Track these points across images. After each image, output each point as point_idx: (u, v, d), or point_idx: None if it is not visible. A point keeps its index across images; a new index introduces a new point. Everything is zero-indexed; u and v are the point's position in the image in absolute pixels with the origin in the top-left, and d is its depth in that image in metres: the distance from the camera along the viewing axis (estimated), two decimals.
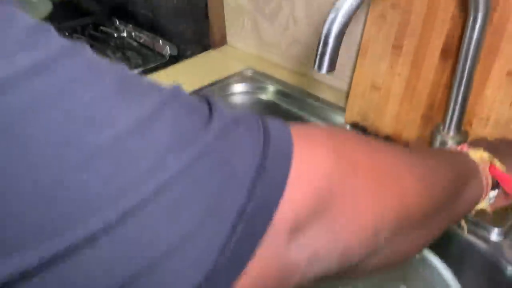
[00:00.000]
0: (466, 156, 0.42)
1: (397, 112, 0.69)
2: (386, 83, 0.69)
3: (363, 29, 0.71)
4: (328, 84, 0.87)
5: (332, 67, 0.48)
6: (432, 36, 0.63)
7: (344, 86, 0.85)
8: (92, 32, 1.12)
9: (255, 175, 0.22)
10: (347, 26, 0.47)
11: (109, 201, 0.18)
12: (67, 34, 1.11)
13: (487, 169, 0.42)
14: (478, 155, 0.42)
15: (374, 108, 0.72)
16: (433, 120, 0.66)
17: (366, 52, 0.71)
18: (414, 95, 0.67)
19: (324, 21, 0.47)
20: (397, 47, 0.67)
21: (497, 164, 0.43)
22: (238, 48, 1.05)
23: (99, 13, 1.18)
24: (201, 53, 1.05)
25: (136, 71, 1.00)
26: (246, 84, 0.91)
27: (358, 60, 0.73)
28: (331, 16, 0.47)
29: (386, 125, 0.71)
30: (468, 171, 0.41)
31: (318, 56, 0.48)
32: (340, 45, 0.48)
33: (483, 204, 0.42)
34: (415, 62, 0.66)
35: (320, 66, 0.48)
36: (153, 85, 0.22)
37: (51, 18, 1.05)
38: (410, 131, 0.69)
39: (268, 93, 0.90)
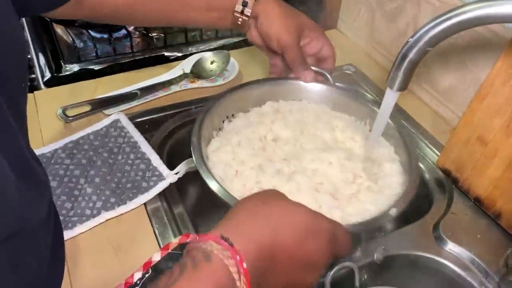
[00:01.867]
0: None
1: (499, 177, 0.60)
2: (496, 141, 0.60)
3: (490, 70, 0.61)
4: (434, 109, 0.78)
5: (402, 87, 0.49)
6: None
7: (451, 118, 0.75)
8: None
9: None
10: (424, 54, 0.47)
11: None
12: None
13: (245, 278, 0.32)
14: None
15: (474, 163, 0.63)
16: None
17: (483, 98, 0.61)
18: None
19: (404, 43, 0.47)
20: None
21: None
22: (347, 36, 0.96)
23: None
24: None
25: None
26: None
27: (472, 103, 0.63)
28: (410, 40, 0.46)
29: (482, 186, 0.62)
30: None
31: (390, 75, 0.49)
32: (415, 69, 0.48)
33: None
34: None
35: (391, 85, 0.50)
36: None
37: None
38: (507, 202, 0.59)
39: None
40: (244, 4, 0.65)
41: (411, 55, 0.45)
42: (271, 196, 0.39)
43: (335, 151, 0.61)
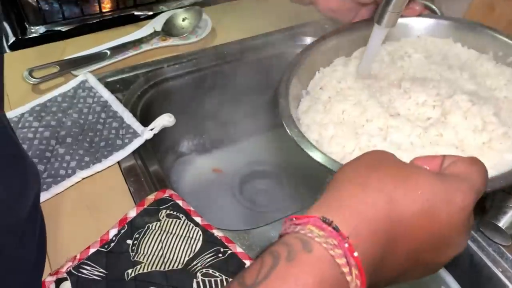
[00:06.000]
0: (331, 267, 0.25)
1: None
2: None
3: None
4: None
5: (391, 23, 0.48)
6: None
7: None
8: None
9: None
10: None
11: None
12: None
13: (357, 271, 0.25)
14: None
15: None
16: None
17: None
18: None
19: None
20: None
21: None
22: None
23: None
24: None
25: None
26: None
27: None
28: None
29: None
30: None
31: (379, 11, 0.48)
32: (405, 3, 0.47)
33: None
34: None
35: (379, 21, 0.48)
36: None
37: None
38: None
39: None
40: None
41: None
42: (380, 159, 0.31)
43: (453, 94, 0.48)
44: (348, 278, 0.25)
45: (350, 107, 0.49)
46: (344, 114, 0.49)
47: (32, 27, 0.81)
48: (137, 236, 0.49)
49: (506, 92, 0.50)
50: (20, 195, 0.36)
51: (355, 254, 0.25)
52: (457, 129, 0.45)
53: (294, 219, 0.27)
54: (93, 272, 0.46)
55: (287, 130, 0.47)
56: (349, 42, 0.59)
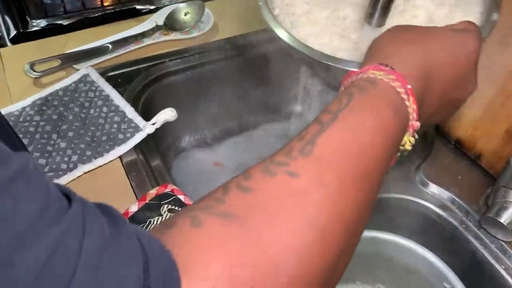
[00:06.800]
0: (390, 93, 0.31)
1: (479, 119, 0.59)
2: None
3: None
4: None
5: (381, 23, 0.47)
6: None
7: None
8: None
9: None
10: None
11: None
12: None
13: (412, 98, 0.32)
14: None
15: None
16: None
17: None
18: (506, 104, 0.56)
19: None
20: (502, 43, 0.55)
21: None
22: None
23: None
24: None
25: None
26: None
27: None
28: None
29: (462, 128, 0.62)
30: (397, 118, 0.31)
31: (368, 10, 0.47)
32: (392, 3, 0.45)
33: (408, 142, 0.33)
34: None
35: (369, 21, 0.48)
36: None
37: None
38: (487, 143, 0.59)
39: None
40: None
41: None
42: (407, 26, 0.38)
43: None
44: (407, 103, 0.31)
45: (330, 13, 0.52)
46: (328, 20, 0.52)
47: (33, 20, 0.80)
48: None
49: None
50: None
51: (409, 86, 0.32)
52: (426, 7, 0.50)
53: (352, 72, 0.34)
54: None
55: (284, 39, 0.50)
56: None
